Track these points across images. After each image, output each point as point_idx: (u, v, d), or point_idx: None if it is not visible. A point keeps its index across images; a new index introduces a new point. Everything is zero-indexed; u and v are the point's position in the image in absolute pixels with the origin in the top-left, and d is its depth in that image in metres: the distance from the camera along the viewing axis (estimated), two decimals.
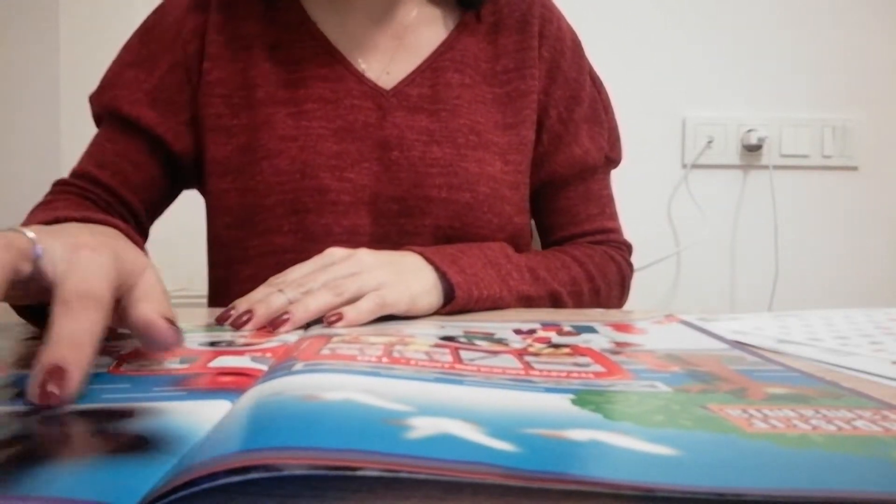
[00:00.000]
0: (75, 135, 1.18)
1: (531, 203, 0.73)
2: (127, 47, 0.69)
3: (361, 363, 0.29)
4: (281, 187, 0.62)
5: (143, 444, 0.20)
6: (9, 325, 0.45)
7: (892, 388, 0.30)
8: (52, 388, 0.24)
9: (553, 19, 0.72)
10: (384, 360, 0.30)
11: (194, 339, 0.38)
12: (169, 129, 0.66)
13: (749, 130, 1.50)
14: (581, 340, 0.39)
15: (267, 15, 0.67)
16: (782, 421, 0.22)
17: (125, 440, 0.20)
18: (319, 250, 0.56)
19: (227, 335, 0.40)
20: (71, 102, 1.17)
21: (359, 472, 0.17)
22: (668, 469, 0.18)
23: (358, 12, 0.68)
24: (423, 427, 0.20)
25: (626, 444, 0.20)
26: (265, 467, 0.16)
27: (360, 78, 0.66)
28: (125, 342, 0.38)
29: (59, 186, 0.67)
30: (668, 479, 0.17)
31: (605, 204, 0.74)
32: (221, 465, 0.16)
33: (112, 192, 0.66)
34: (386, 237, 0.63)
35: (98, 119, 0.70)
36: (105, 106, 0.67)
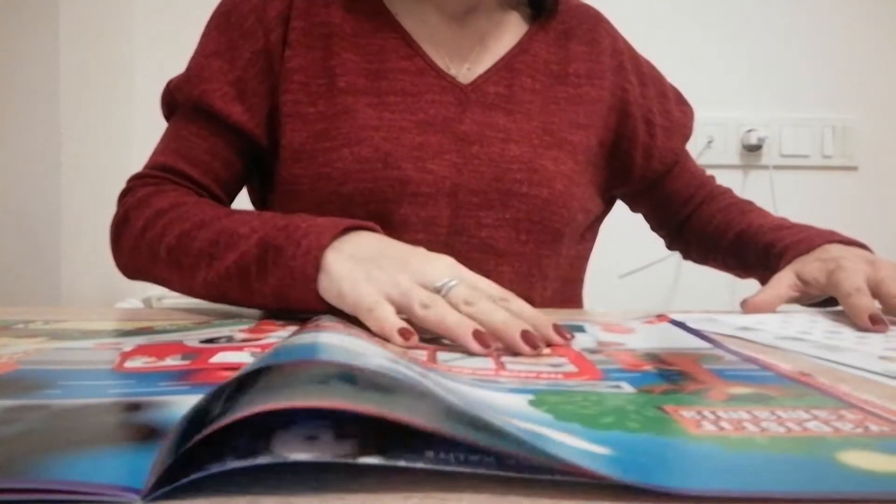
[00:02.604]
0: (76, 134, 1.20)
1: (653, 190, 0.80)
2: (206, 36, 0.69)
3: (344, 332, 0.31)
4: (361, 175, 0.63)
5: (151, 434, 0.21)
6: (13, 322, 0.46)
7: (876, 381, 0.31)
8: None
9: (616, 34, 0.79)
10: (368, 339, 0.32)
11: (194, 337, 0.40)
12: (258, 124, 0.66)
13: (749, 130, 1.51)
14: None
15: (347, 4, 0.69)
16: (732, 423, 0.23)
17: (134, 430, 0.21)
18: (395, 239, 0.59)
19: (225, 331, 0.41)
20: (71, 102, 1.18)
21: (359, 461, 0.18)
22: (600, 464, 0.19)
23: (437, 9, 0.70)
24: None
25: (566, 441, 0.20)
26: (267, 447, 0.18)
27: (440, 73, 0.68)
28: (127, 339, 0.39)
29: (149, 178, 0.64)
30: (597, 469, 0.18)
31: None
32: (225, 420, 0.17)
33: (205, 189, 0.66)
34: (464, 229, 0.65)
35: (172, 108, 0.69)
36: (194, 100, 0.65)
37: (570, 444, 0.20)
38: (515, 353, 0.36)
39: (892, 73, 1.56)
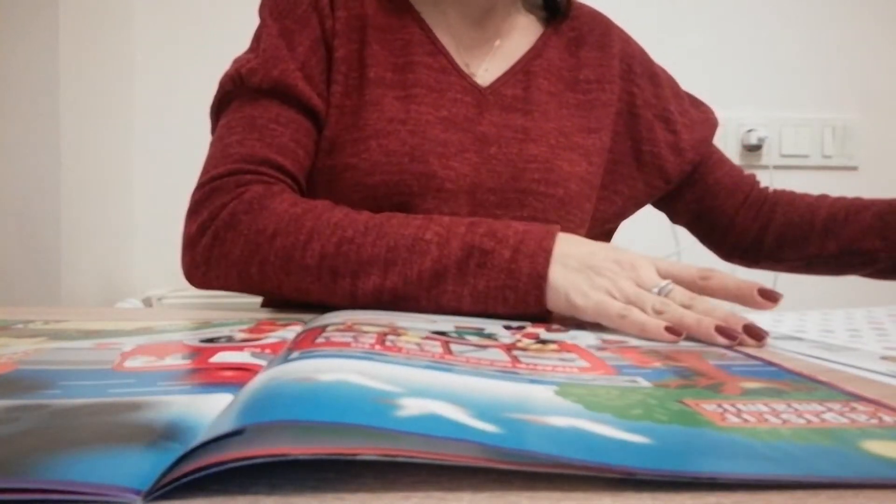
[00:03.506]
0: (76, 134, 1.20)
1: (696, 185, 0.80)
2: (262, 25, 0.67)
3: (355, 349, 0.30)
4: (388, 168, 0.63)
5: (151, 434, 0.21)
6: (13, 322, 0.46)
7: (879, 381, 0.31)
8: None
9: (629, 39, 0.80)
10: (377, 347, 0.31)
11: (194, 337, 0.39)
12: (327, 112, 0.65)
13: (749, 130, 1.51)
14: (568, 337, 0.40)
15: None
16: (754, 415, 0.23)
17: (134, 430, 0.21)
18: None
19: (225, 331, 0.41)
20: (71, 102, 1.18)
21: (358, 457, 0.17)
22: (644, 455, 0.19)
23: (457, 9, 0.71)
24: (411, 406, 0.21)
25: (605, 433, 0.21)
26: (269, 455, 0.17)
27: (461, 72, 0.69)
28: (127, 339, 0.39)
29: (246, 175, 0.58)
30: (645, 465, 0.18)
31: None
32: (228, 454, 0.17)
33: (296, 181, 0.62)
34: None
35: (231, 98, 0.65)
36: (272, 81, 0.62)
37: (606, 433, 0.21)
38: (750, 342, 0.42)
39: (892, 73, 1.56)
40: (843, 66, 1.54)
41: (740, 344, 0.41)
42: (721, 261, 0.89)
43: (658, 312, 0.43)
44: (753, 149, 1.51)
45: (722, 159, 0.81)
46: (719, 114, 1.57)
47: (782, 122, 1.52)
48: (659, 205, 0.83)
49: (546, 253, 0.47)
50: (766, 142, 1.50)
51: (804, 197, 0.80)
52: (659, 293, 0.45)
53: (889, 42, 1.55)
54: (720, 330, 0.41)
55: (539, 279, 0.47)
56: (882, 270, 0.75)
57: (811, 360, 0.37)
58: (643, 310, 0.44)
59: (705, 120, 0.80)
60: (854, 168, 1.55)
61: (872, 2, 1.54)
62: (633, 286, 0.46)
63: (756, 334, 0.41)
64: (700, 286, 0.47)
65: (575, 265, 0.48)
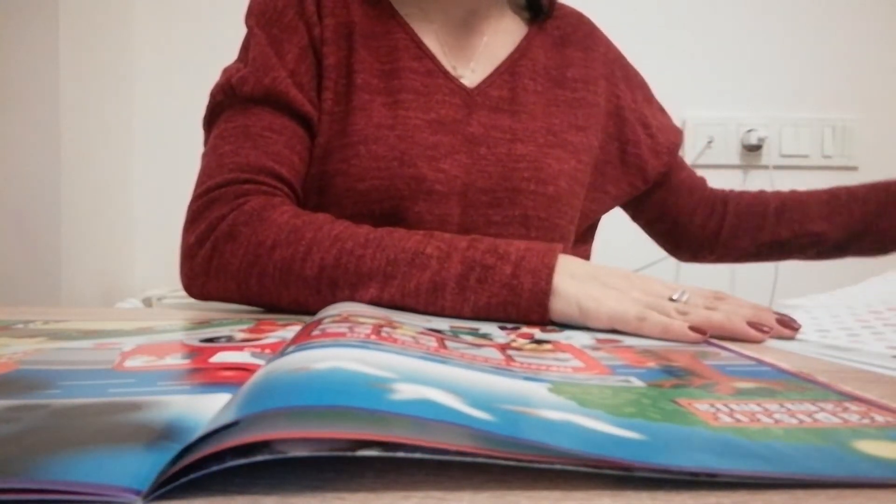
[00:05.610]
0: (76, 134, 1.20)
1: (665, 185, 0.83)
2: (249, 35, 0.67)
3: (350, 339, 0.30)
4: (377, 173, 0.63)
5: (151, 434, 0.21)
6: (13, 322, 0.46)
7: (881, 382, 0.31)
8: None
9: (609, 43, 0.81)
10: (372, 337, 0.31)
11: (194, 336, 0.40)
12: (319, 119, 0.66)
13: (749, 130, 1.50)
14: (563, 337, 0.40)
15: (363, 6, 0.70)
16: (747, 415, 0.23)
17: (134, 430, 0.21)
18: None
19: (225, 331, 0.41)
20: (71, 102, 1.18)
21: (358, 453, 0.17)
22: (638, 450, 0.19)
23: (442, 12, 0.72)
24: (405, 391, 0.21)
25: (598, 428, 0.21)
26: (266, 445, 0.17)
27: (448, 75, 0.69)
28: (127, 339, 0.39)
29: (244, 185, 0.58)
30: (639, 458, 0.18)
31: None
32: (223, 444, 0.17)
33: (293, 189, 0.63)
34: (474, 226, 0.66)
35: (223, 107, 0.65)
36: (264, 88, 0.63)
37: (599, 429, 0.21)
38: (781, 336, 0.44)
39: (892, 73, 1.55)
40: (843, 66, 1.54)
41: (774, 336, 0.41)
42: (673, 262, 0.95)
43: (682, 314, 0.43)
44: (753, 149, 1.51)
45: (682, 163, 0.86)
46: (719, 114, 1.57)
47: (782, 122, 1.52)
48: (626, 204, 0.85)
49: (549, 269, 0.47)
50: (766, 142, 1.50)
51: (746, 192, 0.86)
52: (676, 300, 0.45)
53: (889, 42, 1.55)
54: (753, 324, 0.41)
55: (542, 295, 0.47)
56: (825, 251, 0.82)
57: (833, 359, 0.37)
58: (664, 314, 0.43)
59: (672, 126, 0.83)
60: (854, 168, 1.55)
61: (872, 2, 1.54)
62: (647, 295, 0.46)
63: (789, 325, 0.41)
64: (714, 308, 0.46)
65: (583, 276, 0.48)
